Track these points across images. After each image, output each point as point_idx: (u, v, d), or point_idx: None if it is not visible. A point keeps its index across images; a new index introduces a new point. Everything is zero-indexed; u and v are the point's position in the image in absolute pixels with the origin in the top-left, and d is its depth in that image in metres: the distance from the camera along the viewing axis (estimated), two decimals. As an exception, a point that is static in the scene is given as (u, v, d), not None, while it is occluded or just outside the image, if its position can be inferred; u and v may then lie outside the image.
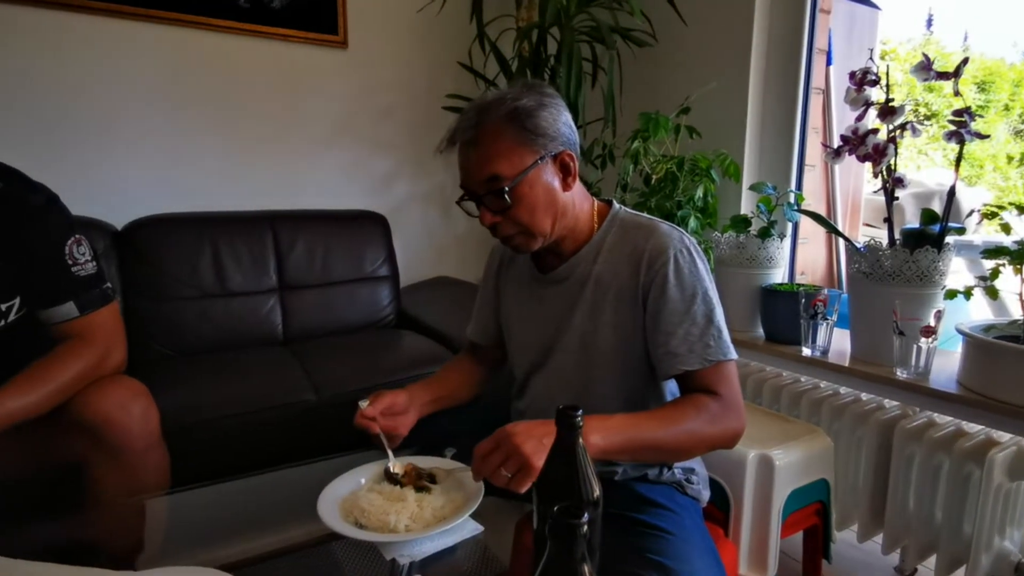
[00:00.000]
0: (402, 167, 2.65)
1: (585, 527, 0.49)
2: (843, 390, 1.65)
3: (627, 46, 2.16)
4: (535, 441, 0.81)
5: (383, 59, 2.54)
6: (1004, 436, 1.34)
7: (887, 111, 1.43)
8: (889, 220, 1.50)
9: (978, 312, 1.81)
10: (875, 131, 1.45)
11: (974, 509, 1.31)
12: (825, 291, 1.61)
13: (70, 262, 1.15)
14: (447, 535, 0.89)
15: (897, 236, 1.49)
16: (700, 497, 1.08)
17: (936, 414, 1.46)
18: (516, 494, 0.81)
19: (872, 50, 1.55)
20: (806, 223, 2.00)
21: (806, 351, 1.64)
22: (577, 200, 1.04)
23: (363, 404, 1.05)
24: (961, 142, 1.37)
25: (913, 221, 1.52)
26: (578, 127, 1.14)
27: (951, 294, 1.41)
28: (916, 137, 1.44)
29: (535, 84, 1.01)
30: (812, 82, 2.03)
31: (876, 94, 1.46)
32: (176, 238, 1.98)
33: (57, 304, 1.13)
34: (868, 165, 1.48)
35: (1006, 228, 1.36)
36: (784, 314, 1.69)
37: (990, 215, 1.41)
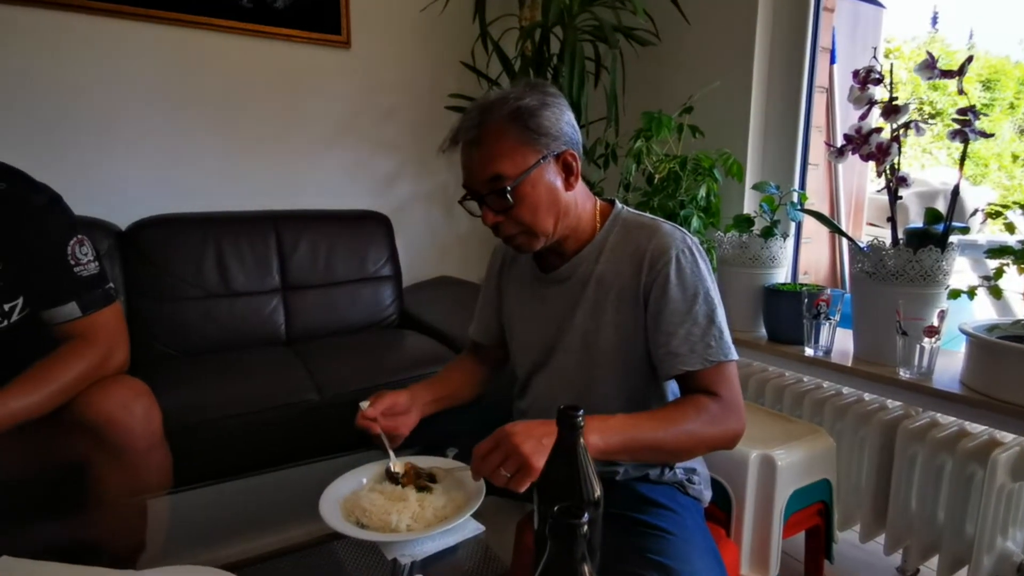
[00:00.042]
0: (405, 167, 2.66)
1: (585, 527, 0.49)
2: (846, 390, 1.64)
3: (630, 45, 2.15)
4: (534, 441, 0.81)
5: (386, 59, 2.54)
6: (1007, 436, 1.34)
7: (891, 110, 1.43)
8: (892, 219, 1.50)
9: (982, 312, 1.80)
10: (879, 130, 1.45)
11: (977, 510, 1.30)
12: (828, 291, 1.61)
13: (72, 262, 1.15)
14: (448, 535, 0.89)
15: (900, 235, 1.49)
16: (702, 497, 1.08)
17: (939, 414, 1.45)
18: (517, 494, 0.81)
19: (876, 48, 1.54)
20: (809, 222, 2.00)
21: (809, 351, 1.64)
22: (579, 200, 1.04)
23: (364, 405, 1.05)
24: (965, 141, 1.36)
25: (917, 220, 1.52)
26: (581, 126, 1.14)
27: (955, 294, 1.41)
28: (920, 136, 1.44)
29: (538, 83, 1.01)
30: (816, 81, 2.03)
31: (880, 93, 1.46)
32: (180, 238, 1.99)
33: (59, 304, 1.14)
34: (872, 164, 1.47)
35: (1010, 227, 1.36)
36: (787, 314, 1.69)
37: (994, 214, 1.40)
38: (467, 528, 0.91)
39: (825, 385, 1.69)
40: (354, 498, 0.94)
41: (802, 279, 2.17)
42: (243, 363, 1.84)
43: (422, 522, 0.89)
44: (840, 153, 1.51)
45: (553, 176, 0.99)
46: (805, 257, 2.23)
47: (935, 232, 1.43)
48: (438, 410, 1.17)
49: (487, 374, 1.30)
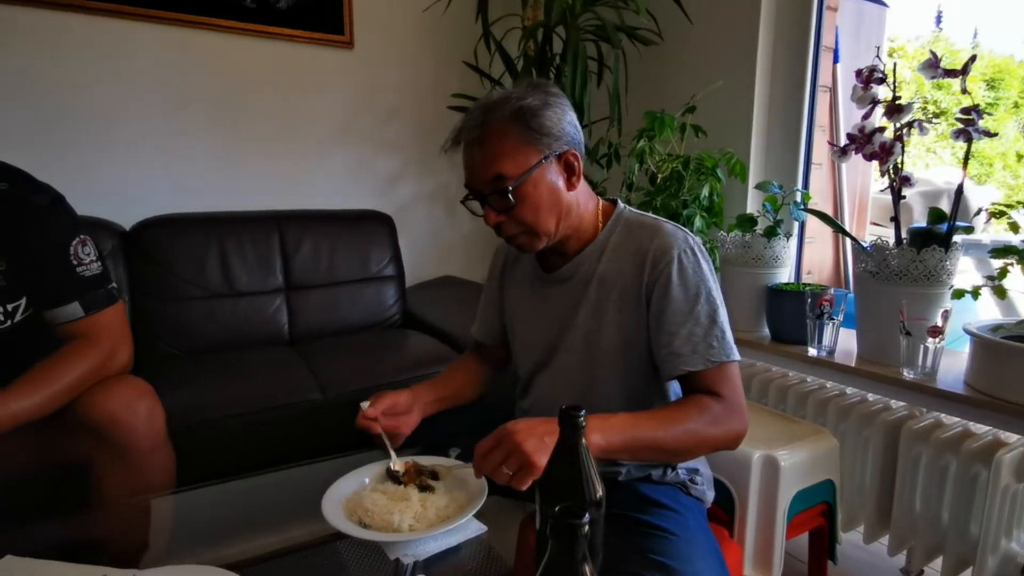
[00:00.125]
0: (408, 167, 2.66)
1: (586, 527, 0.49)
2: (849, 390, 1.64)
3: (633, 45, 2.15)
4: (536, 439, 0.81)
5: (389, 59, 2.54)
6: (1012, 437, 1.33)
7: (894, 109, 1.42)
8: (896, 219, 1.49)
9: (986, 312, 1.80)
10: (882, 129, 1.45)
11: (981, 510, 1.30)
12: (831, 291, 1.60)
13: (75, 262, 1.15)
14: (451, 535, 0.89)
15: (904, 235, 1.48)
16: (704, 498, 1.07)
17: (943, 415, 1.45)
18: (519, 494, 0.81)
19: (879, 48, 1.54)
20: (813, 222, 1.99)
21: (812, 351, 1.64)
22: (581, 199, 1.04)
23: (364, 405, 1.05)
24: (969, 140, 1.36)
25: (921, 220, 1.51)
26: (583, 126, 1.14)
27: (958, 294, 1.40)
28: (924, 135, 1.43)
29: (540, 83, 1.01)
30: (819, 80, 2.02)
31: (883, 92, 1.45)
32: (183, 238, 1.99)
33: (62, 304, 1.14)
34: (875, 164, 1.47)
35: (1014, 227, 1.35)
36: (790, 314, 1.69)
37: (998, 214, 1.40)
38: (469, 528, 0.91)
39: (828, 385, 1.69)
40: (356, 498, 0.95)
41: (806, 279, 2.16)
42: (246, 363, 1.84)
43: (424, 522, 0.89)
44: (843, 152, 1.51)
45: (555, 176, 0.99)
46: (809, 257, 2.22)
47: (939, 232, 1.43)
48: (440, 410, 1.17)
49: (489, 374, 1.30)
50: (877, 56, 1.46)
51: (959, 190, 1.41)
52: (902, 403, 1.52)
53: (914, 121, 1.42)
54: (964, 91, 1.36)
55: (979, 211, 1.44)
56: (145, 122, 2.11)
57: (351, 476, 1.00)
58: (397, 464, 1.01)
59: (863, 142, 1.46)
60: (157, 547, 1.02)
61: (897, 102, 1.42)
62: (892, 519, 1.48)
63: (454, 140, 1.00)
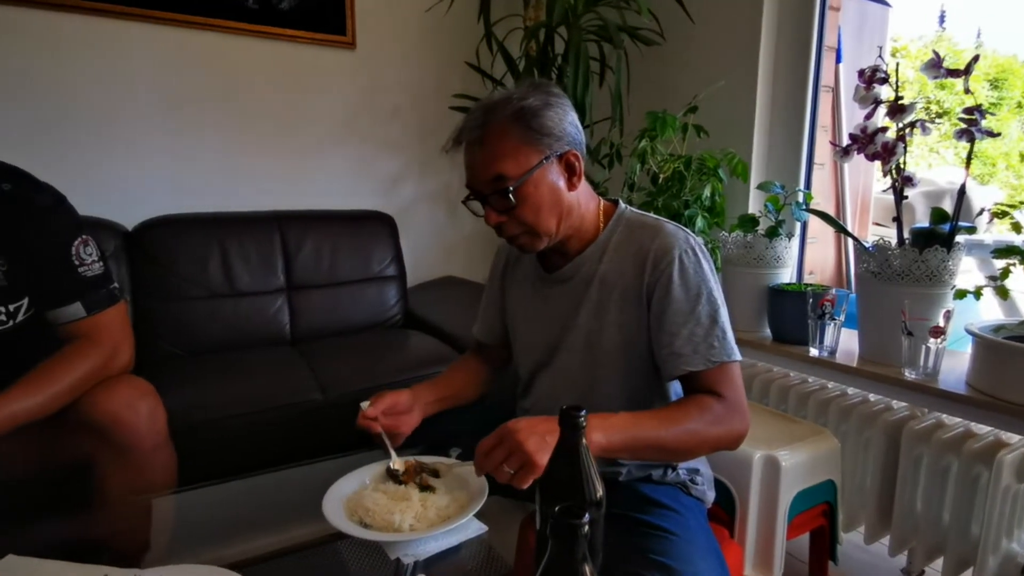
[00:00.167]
0: (409, 167, 2.66)
1: (586, 527, 0.49)
2: (851, 391, 1.64)
3: (635, 45, 2.15)
4: (538, 438, 0.81)
5: (391, 59, 2.54)
6: (1013, 438, 1.33)
7: (896, 109, 1.42)
8: (898, 219, 1.49)
9: (988, 312, 1.79)
10: (884, 129, 1.44)
11: (982, 511, 1.30)
12: (833, 291, 1.60)
13: (77, 262, 1.16)
14: (451, 535, 0.89)
15: (906, 235, 1.48)
16: (705, 498, 1.07)
17: (945, 415, 1.44)
18: (520, 494, 0.81)
19: (881, 48, 1.54)
20: (815, 222, 1.99)
21: (813, 351, 1.63)
22: (583, 200, 1.04)
23: (364, 405, 1.06)
24: (971, 140, 1.36)
25: (924, 220, 1.51)
26: (585, 126, 1.14)
27: (961, 294, 1.40)
28: (926, 135, 1.43)
29: (541, 84, 1.01)
30: (821, 80, 2.02)
31: (886, 92, 1.45)
32: (185, 238, 2.00)
33: (64, 304, 1.14)
34: (878, 164, 1.47)
35: (1017, 227, 1.35)
36: (791, 314, 1.68)
37: (1001, 214, 1.39)
38: (470, 528, 0.92)
39: (830, 386, 1.69)
40: (357, 498, 0.95)
41: (808, 279, 2.16)
42: (247, 363, 1.85)
43: (425, 522, 0.89)
44: (845, 153, 1.51)
45: (556, 176, 0.99)
46: (811, 257, 2.22)
47: (941, 232, 1.42)
48: (441, 410, 1.17)
49: (491, 374, 1.30)
50: (880, 56, 1.46)
51: (961, 190, 1.41)
52: (903, 403, 1.52)
53: (916, 121, 1.42)
54: (967, 91, 1.36)
55: (981, 211, 1.43)
56: (147, 122, 2.11)
57: (352, 476, 1.01)
58: (397, 463, 1.02)
59: (865, 142, 1.46)
60: (158, 547, 1.03)
61: (899, 102, 1.42)
62: (893, 519, 1.47)
63: (455, 140, 1.00)
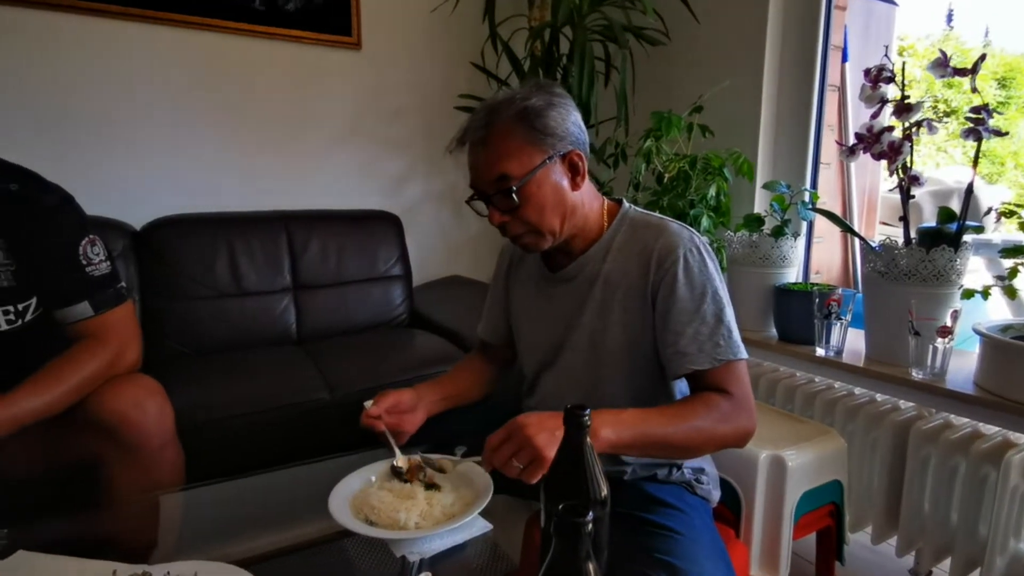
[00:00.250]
0: (415, 167, 2.67)
1: (590, 525, 0.49)
2: (858, 391, 1.63)
3: (640, 45, 2.15)
4: (547, 433, 0.81)
5: (396, 59, 2.55)
6: (1021, 438, 1.33)
7: (902, 108, 1.42)
8: (905, 218, 1.49)
9: (996, 312, 1.78)
10: (890, 128, 1.44)
11: (990, 511, 1.29)
12: (839, 290, 1.60)
13: (84, 262, 1.16)
14: (456, 532, 0.90)
15: (913, 235, 1.48)
16: (710, 497, 1.07)
17: (952, 415, 1.44)
18: (525, 492, 0.81)
19: (888, 47, 1.53)
20: (822, 222, 1.98)
21: (820, 351, 1.63)
22: (586, 199, 1.05)
23: (368, 404, 1.06)
24: (979, 139, 1.35)
25: (931, 219, 1.50)
26: (590, 126, 1.14)
27: (968, 294, 1.39)
28: (933, 134, 1.43)
29: (545, 84, 1.01)
30: (827, 79, 2.01)
31: (892, 91, 1.45)
32: (193, 238, 2.00)
33: (71, 304, 1.15)
34: (884, 163, 1.46)
35: (1024, 227, 1.35)
36: (798, 314, 1.68)
37: (1009, 213, 1.39)
38: (475, 526, 0.92)
39: (836, 385, 1.68)
40: (363, 496, 0.95)
41: (814, 278, 2.16)
42: (254, 362, 1.85)
43: (430, 520, 0.89)
44: (851, 152, 1.50)
45: (559, 176, 0.99)
46: (818, 256, 2.21)
47: (948, 231, 1.42)
48: (446, 408, 1.17)
49: (495, 373, 1.30)
50: (886, 55, 1.45)
51: (969, 189, 1.41)
52: (911, 404, 1.51)
53: (923, 120, 1.41)
54: (974, 90, 1.36)
55: (989, 210, 1.43)
56: (153, 123, 2.12)
57: (358, 474, 1.01)
58: (400, 461, 1.02)
59: (871, 141, 1.46)
60: (166, 544, 1.03)
61: (906, 101, 1.41)
62: (900, 520, 1.47)
63: (459, 140, 1.00)
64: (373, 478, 1.01)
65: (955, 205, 1.45)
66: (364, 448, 1.10)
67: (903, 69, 1.43)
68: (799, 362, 1.73)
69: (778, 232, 1.75)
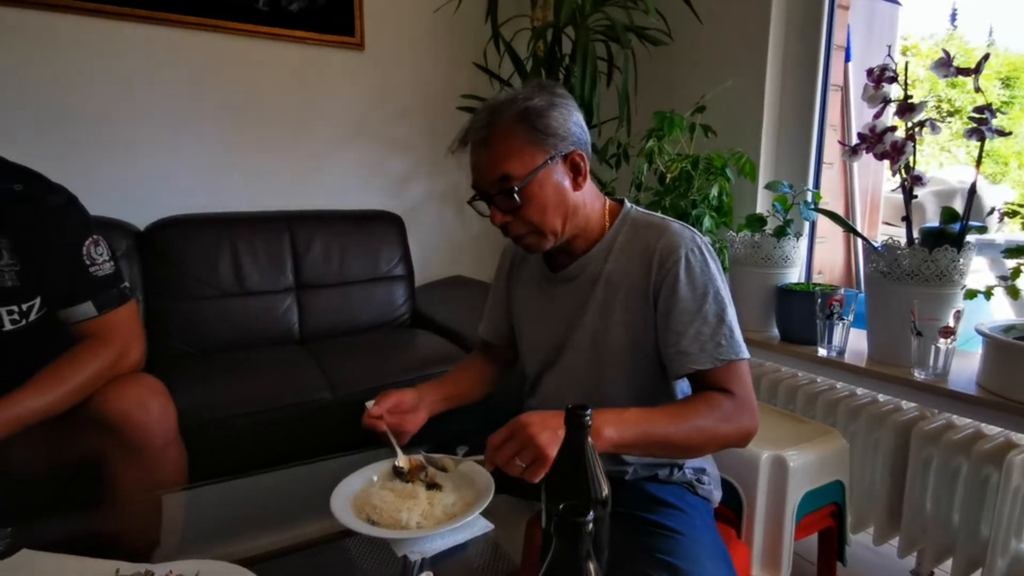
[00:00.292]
0: (418, 167, 2.67)
1: (590, 525, 0.49)
2: (860, 391, 1.63)
3: (642, 45, 2.15)
4: (550, 432, 0.81)
5: (399, 60, 2.55)
6: (1023, 439, 1.32)
7: (905, 108, 1.41)
8: (907, 218, 1.48)
9: (999, 312, 1.78)
10: (893, 128, 1.44)
11: (992, 512, 1.29)
12: (841, 291, 1.60)
13: (88, 262, 1.17)
14: (458, 532, 0.90)
15: (916, 235, 1.47)
16: (711, 497, 1.07)
17: (954, 416, 1.44)
18: (527, 491, 0.81)
19: (890, 46, 1.53)
20: (825, 222, 1.98)
21: (822, 351, 1.63)
22: (588, 199, 1.05)
23: (370, 404, 1.07)
24: (982, 139, 1.35)
25: (934, 220, 1.50)
26: (592, 126, 1.14)
27: (971, 294, 1.39)
28: (936, 134, 1.42)
29: (546, 84, 1.02)
30: (830, 79, 2.01)
31: (895, 91, 1.45)
32: (196, 238, 2.01)
33: (75, 304, 1.15)
34: (887, 163, 1.46)
35: (1027, 227, 1.34)
36: (800, 314, 1.68)
37: (1012, 213, 1.39)
38: (476, 526, 0.92)
39: (839, 386, 1.68)
40: (365, 495, 0.95)
41: (817, 279, 2.15)
42: (257, 362, 1.86)
43: (432, 520, 0.90)
44: (854, 152, 1.50)
45: (561, 176, 0.99)
46: (820, 257, 2.21)
47: (951, 231, 1.42)
48: (447, 408, 1.17)
49: (497, 373, 1.30)
50: (889, 55, 1.45)
51: (972, 189, 1.40)
52: (913, 404, 1.51)
53: (926, 120, 1.41)
54: (978, 90, 1.35)
55: (992, 210, 1.43)
56: (154, 123, 2.12)
57: (360, 474, 1.01)
58: (402, 460, 1.02)
59: (874, 141, 1.46)
60: (168, 543, 1.03)
61: (909, 101, 1.41)
62: (902, 520, 1.47)
63: (461, 141, 1.01)
64: (375, 478, 1.01)
65: (958, 205, 1.44)
66: (366, 448, 1.10)
67: (906, 69, 1.42)
68: (801, 362, 1.73)
69: (780, 232, 1.75)
